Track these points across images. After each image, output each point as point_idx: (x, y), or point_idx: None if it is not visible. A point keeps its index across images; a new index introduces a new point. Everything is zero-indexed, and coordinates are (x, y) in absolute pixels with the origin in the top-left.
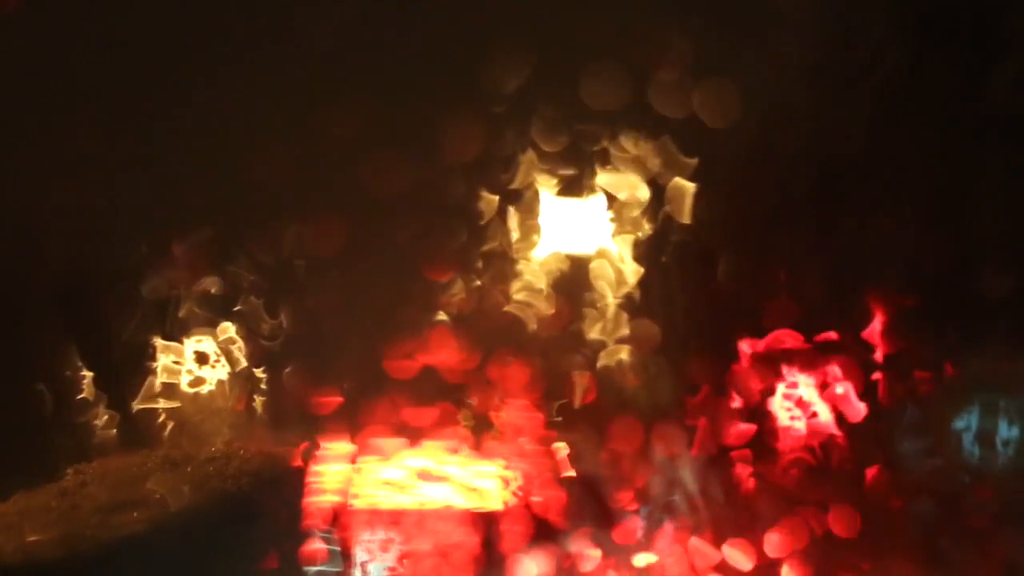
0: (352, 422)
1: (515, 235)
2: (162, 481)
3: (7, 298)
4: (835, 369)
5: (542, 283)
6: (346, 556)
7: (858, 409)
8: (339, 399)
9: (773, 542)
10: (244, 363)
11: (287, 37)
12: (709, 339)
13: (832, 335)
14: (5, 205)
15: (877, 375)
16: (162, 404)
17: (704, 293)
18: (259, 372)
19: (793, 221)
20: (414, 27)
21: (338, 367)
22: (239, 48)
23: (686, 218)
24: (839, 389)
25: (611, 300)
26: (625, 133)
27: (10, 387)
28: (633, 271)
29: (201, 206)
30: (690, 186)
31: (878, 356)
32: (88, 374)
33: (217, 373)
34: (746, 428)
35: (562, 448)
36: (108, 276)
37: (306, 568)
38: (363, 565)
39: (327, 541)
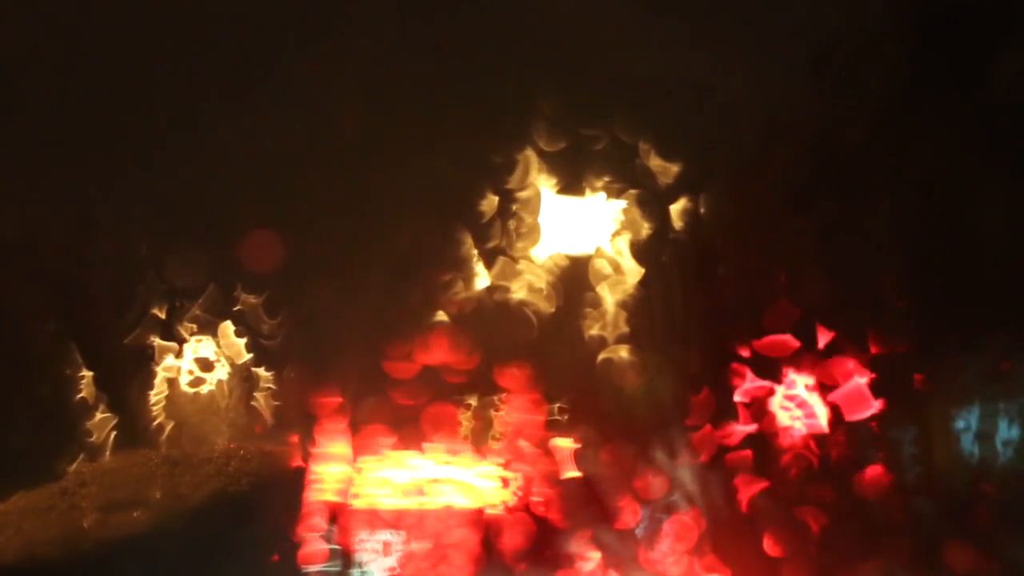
0: (352, 422)
1: (515, 235)
2: (162, 481)
3: (7, 298)
4: (835, 370)
5: (542, 283)
6: (346, 556)
7: (858, 409)
8: (339, 399)
9: (773, 541)
10: (244, 363)
11: (284, 38)
12: (709, 339)
13: (832, 336)
14: (6, 206)
15: (877, 376)
16: (163, 404)
17: (704, 293)
18: (259, 372)
19: (793, 222)
20: (414, 28)
21: (338, 367)
22: (239, 49)
23: (686, 219)
24: (838, 390)
25: (611, 300)
26: (625, 135)
27: (10, 388)
28: (633, 271)
29: (200, 208)
30: (690, 188)
31: (878, 357)
32: (88, 374)
33: (217, 373)
34: (746, 428)
35: (562, 448)
36: (108, 276)
37: (306, 568)
38: (363, 565)
39: (327, 541)
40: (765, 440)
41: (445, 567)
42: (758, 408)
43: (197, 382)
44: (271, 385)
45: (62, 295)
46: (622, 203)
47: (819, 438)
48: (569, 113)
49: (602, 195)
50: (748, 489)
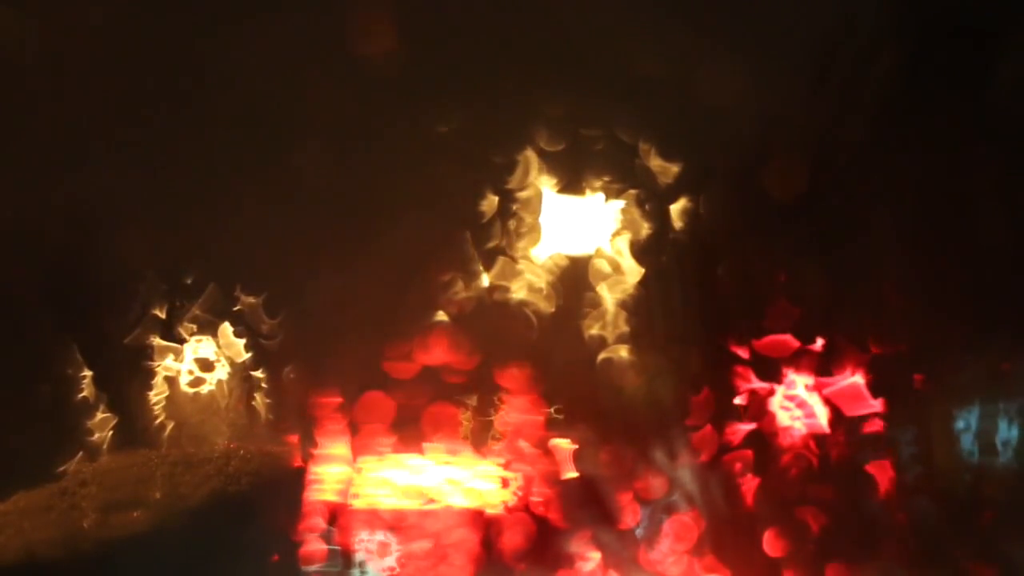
0: (352, 422)
1: (515, 235)
2: (162, 481)
3: (7, 298)
4: (834, 370)
5: (542, 283)
6: (346, 556)
7: (858, 410)
8: (339, 399)
9: (773, 541)
10: (243, 363)
11: (286, 38)
12: (709, 340)
13: (832, 336)
14: (6, 206)
15: (877, 376)
16: (163, 404)
17: (704, 294)
18: (259, 373)
19: (793, 222)
20: (415, 28)
21: (338, 367)
22: (239, 47)
23: (686, 219)
24: (835, 388)
25: (610, 300)
26: (625, 135)
27: (10, 387)
28: (633, 271)
29: (201, 207)
30: (690, 188)
31: (878, 357)
32: (88, 374)
33: (217, 373)
34: (746, 428)
35: (562, 448)
36: (108, 276)
37: (306, 568)
38: (362, 565)
39: (327, 541)
40: (765, 440)
41: (445, 567)
42: (758, 408)
43: (197, 382)
44: (271, 385)
45: (62, 295)
46: (622, 203)
47: (819, 438)
48: (569, 113)
49: (602, 195)
50: (748, 489)
